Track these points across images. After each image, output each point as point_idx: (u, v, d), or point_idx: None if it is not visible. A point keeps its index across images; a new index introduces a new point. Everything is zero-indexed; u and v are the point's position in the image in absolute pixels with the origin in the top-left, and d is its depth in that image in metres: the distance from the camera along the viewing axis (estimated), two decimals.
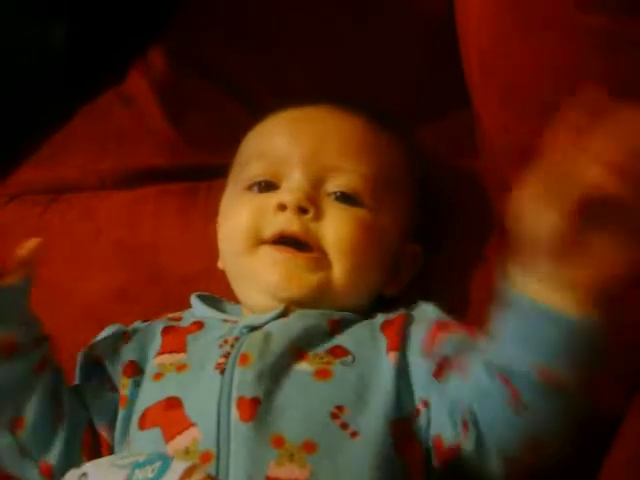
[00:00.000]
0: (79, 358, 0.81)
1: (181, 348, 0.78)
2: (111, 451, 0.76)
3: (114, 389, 0.79)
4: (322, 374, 0.72)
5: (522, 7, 0.81)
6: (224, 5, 1.12)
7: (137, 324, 0.84)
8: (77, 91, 1.11)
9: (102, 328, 0.85)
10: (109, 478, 0.66)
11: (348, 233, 0.80)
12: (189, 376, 0.75)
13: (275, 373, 0.72)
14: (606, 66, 0.73)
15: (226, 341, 0.76)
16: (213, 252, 0.89)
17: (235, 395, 0.71)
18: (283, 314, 0.78)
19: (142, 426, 0.74)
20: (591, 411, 0.64)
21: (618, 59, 0.74)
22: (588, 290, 0.58)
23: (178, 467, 0.64)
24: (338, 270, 0.80)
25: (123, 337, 0.81)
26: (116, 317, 0.88)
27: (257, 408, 0.70)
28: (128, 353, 0.79)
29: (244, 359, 0.73)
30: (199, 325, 0.80)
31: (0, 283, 0.73)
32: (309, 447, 0.68)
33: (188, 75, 1.11)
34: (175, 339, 0.79)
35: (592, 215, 0.57)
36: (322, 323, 0.77)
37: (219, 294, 0.88)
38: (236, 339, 0.75)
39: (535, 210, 0.57)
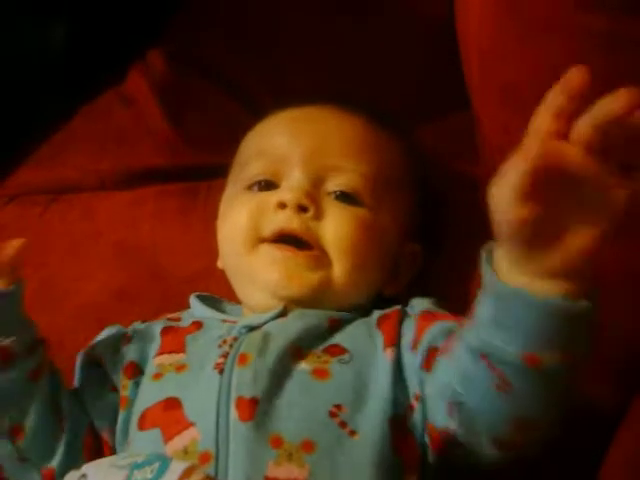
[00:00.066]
0: (79, 359, 0.81)
1: (180, 348, 0.77)
2: (113, 452, 0.76)
3: (114, 390, 0.79)
4: (320, 373, 0.72)
5: (522, 7, 0.81)
6: (224, 5, 1.13)
7: (136, 325, 0.84)
8: (77, 91, 1.12)
9: (102, 328, 0.85)
10: (108, 479, 0.66)
11: (348, 232, 0.80)
12: (188, 376, 0.75)
13: (274, 373, 0.72)
14: (607, 66, 0.73)
15: (225, 341, 0.76)
16: (213, 252, 0.89)
17: (234, 395, 0.70)
18: (282, 314, 0.78)
19: (142, 427, 0.74)
20: (576, 392, 0.63)
21: (619, 59, 0.74)
22: (562, 272, 0.57)
23: (177, 468, 0.64)
24: (338, 269, 0.80)
25: (123, 338, 0.81)
26: (116, 317, 0.88)
27: (256, 408, 0.69)
28: (128, 354, 0.79)
29: (243, 359, 0.73)
30: (198, 325, 0.80)
31: None
32: (308, 446, 0.68)
33: (188, 75, 1.11)
34: (174, 339, 0.79)
35: (555, 196, 0.56)
36: (321, 322, 0.77)
37: (219, 294, 0.88)
38: (235, 339, 0.75)
39: (503, 197, 0.56)
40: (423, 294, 0.82)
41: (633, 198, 0.55)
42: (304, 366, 0.73)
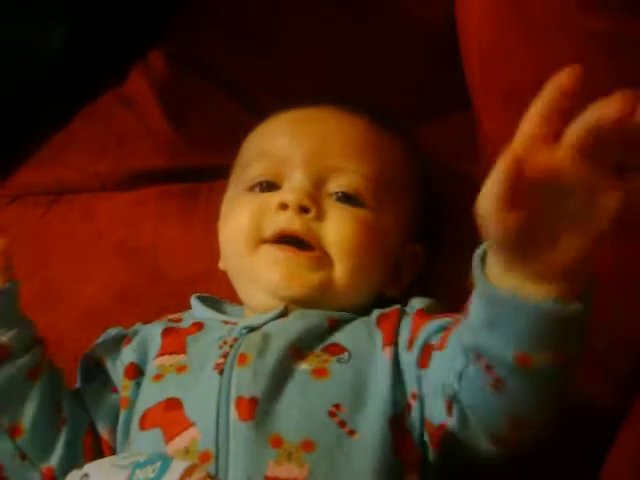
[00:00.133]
0: (80, 361, 0.81)
1: (181, 349, 0.77)
2: (113, 453, 0.76)
3: (115, 391, 0.79)
4: (319, 373, 0.72)
5: (523, 8, 0.81)
6: (224, 5, 1.12)
7: (137, 326, 0.84)
8: (77, 91, 1.11)
9: (103, 329, 0.85)
10: (110, 478, 0.66)
11: (350, 233, 0.80)
12: (189, 377, 0.75)
13: (273, 373, 0.72)
14: (609, 67, 0.73)
15: (225, 342, 0.76)
16: (214, 253, 0.88)
17: (234, 395, 0.70)
18: (283, 314, 0.78)
19: (142, 427, 0.74)
20: (571, 392, 0.63)
21: (621, 60, 0.74)
22: (554, 275, 0.57)
23: (178, 467, 0.64)
24: (340, 270, 0.80)
25: (124, 339, 0.81)
26: (117, 318, 0.88)
27: (256, 408, 0.69)
28: (129, 355, 0.79)
29: (243, 359, 0.73)
30: (199, 326, 0.80)
31: None
32: (307, 446, 0.68)
33: (188, 75, 1.11)
34: (175, 340, 0.79)
35: (544, 201, 0.55)
36: (322, 323, 0.77)
37: (220, 295, 0.88)
38: (235, 340, 0.75)
39: (487, 205, 0.56)
40: (423, 294, 0.82)
41: (628, 199, 0.54)
42: (304, 366, 0.73)
